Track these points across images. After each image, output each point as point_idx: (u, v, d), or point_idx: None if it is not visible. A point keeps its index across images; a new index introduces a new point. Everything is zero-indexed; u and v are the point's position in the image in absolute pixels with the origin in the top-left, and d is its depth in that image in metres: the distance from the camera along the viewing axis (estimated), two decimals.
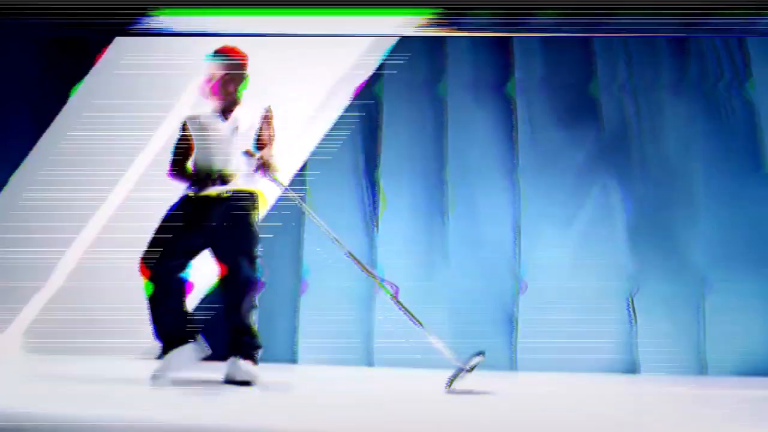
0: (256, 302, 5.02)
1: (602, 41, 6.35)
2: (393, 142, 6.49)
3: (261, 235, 5.07)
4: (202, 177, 5.06)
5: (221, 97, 5.11)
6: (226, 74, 5.10)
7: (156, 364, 5.02)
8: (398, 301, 5.04)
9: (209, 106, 5.15)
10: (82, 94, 6.43)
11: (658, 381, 5.73)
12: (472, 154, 6.43)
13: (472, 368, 4.85)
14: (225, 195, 5.04)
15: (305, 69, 6.25)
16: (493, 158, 6.41)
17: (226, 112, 5.13)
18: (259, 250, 5.04)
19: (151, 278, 4.93)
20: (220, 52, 5.13)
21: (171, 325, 4.98)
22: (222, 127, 5.10)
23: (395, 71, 6.42)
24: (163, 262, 4.94)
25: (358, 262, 5.12)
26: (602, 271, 6.19)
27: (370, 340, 6.22)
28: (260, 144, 5.09)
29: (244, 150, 5.01)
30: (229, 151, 5.05)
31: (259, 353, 5.02)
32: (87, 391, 4.61)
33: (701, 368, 6.02)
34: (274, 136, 5.14)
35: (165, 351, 5.00)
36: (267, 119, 5.14)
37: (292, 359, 6.31)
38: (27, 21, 6.01)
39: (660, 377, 5.91)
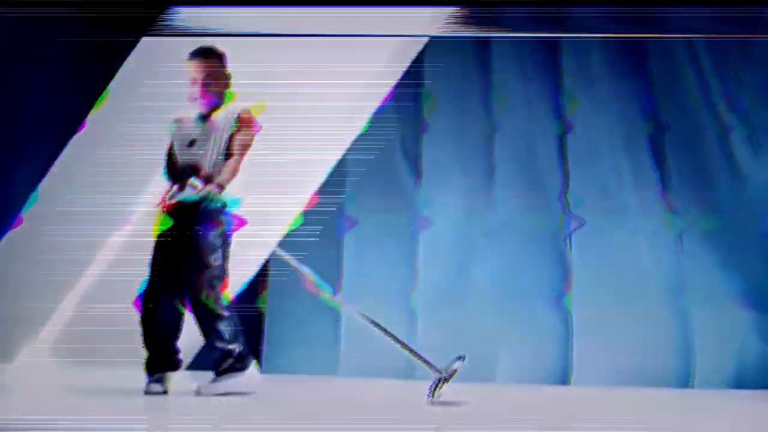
0: (220, 311, 4.81)
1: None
2: (437, 133, 6.32)
3: (219, 247, 4.85)
4: (176, 182, 4.92)
5: (205, 100, 4.93)
6: (207, 76, 4.92)
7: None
8: (364, 316, 4.97)
9: (195, 109, 4.98)
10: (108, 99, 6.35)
11: (712, 395, 5.58)
12: (520, 151, 6.25)
13: (451, 375, 4.65)
14: (187, 204, 4.86)
15: (341, 65, 6.06)
16: (541, 149, 6.24)
17: (208, 115, 4.95)
18: (216, 261, 4.83)
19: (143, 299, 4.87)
20: (197, 53, 4.95)
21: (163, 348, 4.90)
22: (198, 130, 4.93)
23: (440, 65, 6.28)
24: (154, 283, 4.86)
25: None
26: (655, 279, 6.00)
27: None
28: (229, 152, 4.89)
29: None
30: (201, 156, 4.89)
31: (231, 363, 4.83)
32: (115, 401, 4.60)
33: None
34: (248, 143, 4.92)
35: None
36: (242, 122, 4.92)
37: (333, 372, 6.17)
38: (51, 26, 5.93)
39: (713, 391, 5.75)
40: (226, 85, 4.97)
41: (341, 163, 6.26)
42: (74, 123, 6.32)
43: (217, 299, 4.81)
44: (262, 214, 5.45)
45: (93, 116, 6.33)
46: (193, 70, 4.92)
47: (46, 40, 6.17)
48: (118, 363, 5.66)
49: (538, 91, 6.27)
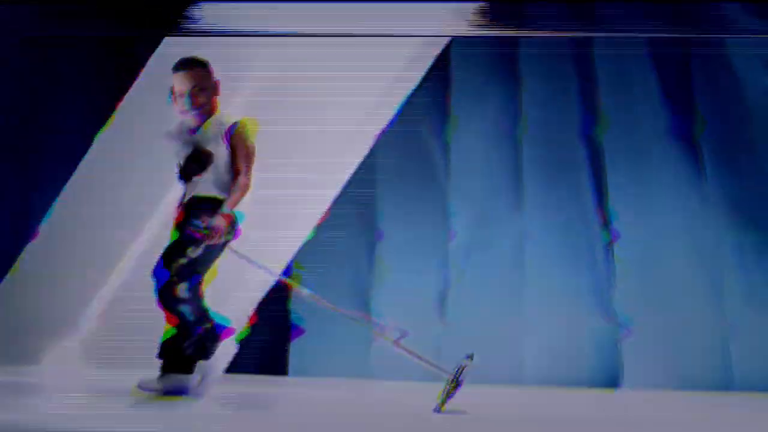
0: (181, 294, 4.73)
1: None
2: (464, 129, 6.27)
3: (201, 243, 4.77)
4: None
5: (195, 113, 4.84)
6: (194, 87, 4.82)
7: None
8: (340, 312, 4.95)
9: (187, 121, 4.91)
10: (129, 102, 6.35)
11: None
12: (550, 151, 6.18)
13: (460, 372, 4.55)
14: (185, 201, 4.84)
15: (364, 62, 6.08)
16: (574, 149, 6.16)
17: (200, 126, 4.87)
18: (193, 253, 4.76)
19: None
20: (181, 65, 4.86)
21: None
22: (190, 140, 4.85)
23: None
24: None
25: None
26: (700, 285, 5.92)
27: (437, 356, 5.92)
28: (235, 169, 4.81)
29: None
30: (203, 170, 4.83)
31: (207, 345, 4.78)
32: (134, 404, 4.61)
33: None
34: (251, 156, 4.83)
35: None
36: (237, 137, 4.83)
37: (365, 374, 6.10)
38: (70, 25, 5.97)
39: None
40: (215, 94, 4.89)
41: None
42: (96, 125, 6.34)
43: (181, 285, 4.73)
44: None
45: (114, 119, 6.36)
46: (179, 83, 4.85)
47: (67, 37, 6.17)
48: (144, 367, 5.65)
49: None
